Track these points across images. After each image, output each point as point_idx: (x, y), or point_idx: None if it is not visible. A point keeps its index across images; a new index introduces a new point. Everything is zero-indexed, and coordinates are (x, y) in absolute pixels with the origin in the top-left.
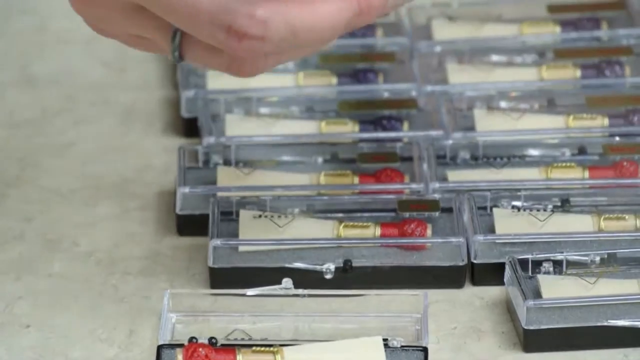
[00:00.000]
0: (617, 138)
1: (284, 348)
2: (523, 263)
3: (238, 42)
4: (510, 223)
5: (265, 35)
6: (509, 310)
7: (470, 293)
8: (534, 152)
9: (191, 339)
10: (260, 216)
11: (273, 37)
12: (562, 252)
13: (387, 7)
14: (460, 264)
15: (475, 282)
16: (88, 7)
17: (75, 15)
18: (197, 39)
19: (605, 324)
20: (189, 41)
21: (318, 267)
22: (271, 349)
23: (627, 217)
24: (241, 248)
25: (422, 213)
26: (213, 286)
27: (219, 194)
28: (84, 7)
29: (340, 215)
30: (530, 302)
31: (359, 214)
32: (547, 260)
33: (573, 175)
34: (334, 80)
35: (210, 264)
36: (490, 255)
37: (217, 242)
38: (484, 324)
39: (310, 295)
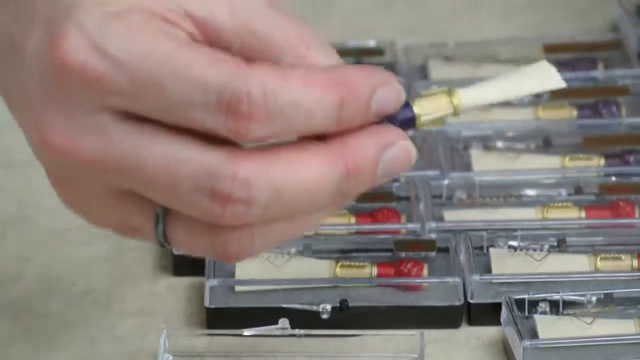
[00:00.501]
0: (614, 178)
1: None
2: (520, 303)
3: (222, 208)
4: (507, 263)
5: (250, 196)
6: (506, 350)
7: (467, 333)
8: (530, 192)
9: None
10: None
11: (258, 198)
12: (559, 292)
13: (377, 176)
14: (457, 303)
15: (471, 322)
16: (73, 198)
17: None
18: (180, 221)
19: None
20: (172, 225)
21: (315, 307)
22: None
23: (623, 257)
24: (237, 288)
25: (419, 253)
26: (209, 326)
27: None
28: (69, 198)
29: (336, 254)
30: (527, 343)
31: (355, 254)
32: (544, 300)
33: (569, 215)
34: None
35: (207, 304)
36: (486, 295)
37: (214, 282)
38: None
39: (306, 336)
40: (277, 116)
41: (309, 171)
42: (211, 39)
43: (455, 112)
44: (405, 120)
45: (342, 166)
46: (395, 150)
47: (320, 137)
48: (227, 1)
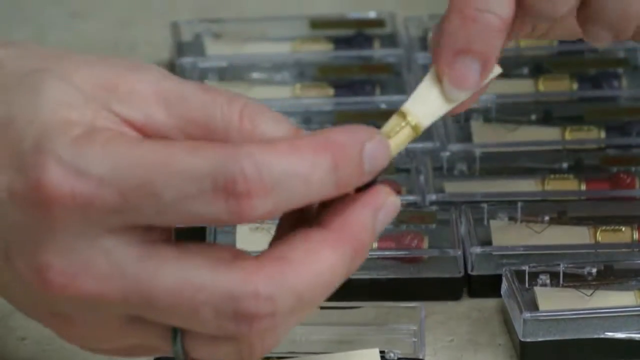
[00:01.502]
0: (614, 150)
1: None
2: (520, 275)
3: (249, 327)
4: (507, 235)
5: (275, 310)
6: (506, 322)
7: (467, 305)
8: (530, 163)
9: None
10: (257, 228)
11: (282, 309)
12: (559, 264)
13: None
14: (457, 276)
15: (472, 294)
16: (72, 332)
17: (74, 27)
18: (200, 337)
19: (602, 336)
20: (192, 340)
21: None
22: None
23: (623, 229)
24: None
25: (419, 225)
26: None
27: None
28: (68, 332)
29: None
30: (527, 315)
31: None
32: (544, 272)
33: (570, 187)
34: (331, 92)
35: None
36: (487, 267)
37: None
38: (481, 336)
39: None
40: (275, 188)
41: (323, 266)
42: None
43: (417, 134)
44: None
45: (349, 249)
46: (387, 210)
47: (318, 218)
48: (158, 98)
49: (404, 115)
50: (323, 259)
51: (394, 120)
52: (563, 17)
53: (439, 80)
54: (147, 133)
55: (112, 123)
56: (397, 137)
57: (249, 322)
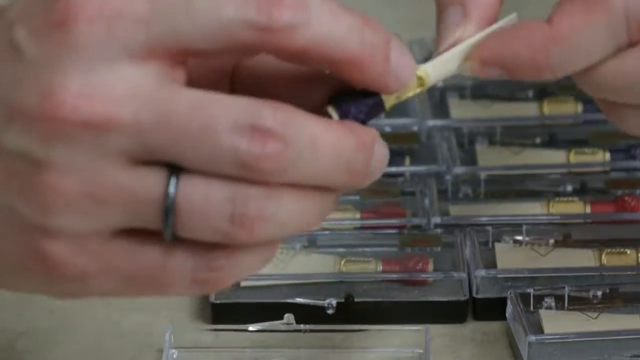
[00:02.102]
0: (619, 173)
1: None
2: (525, 298)
3: (261, 146)
4: (512, 257)
5: (288, 135)
6: (511, 345)
7: (472, 328)
8: (535, 186)
9: None
10: None
11: (295, 140)
12: (564, 287)
13: (370, 168)
14: (462, 298)
15: (477, 317)
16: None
17: None
18: (196, 179)
19: (608, 359)
20: (188, 182)
21: (320, 302)
22: None
23: (629, 251)
24: (243, 283)
25: (424, 248)
26: (215, 321)
27: None
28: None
29: (342, 250)
30: (532, 337)
31: (360, 249)
32: (549, 295)
33: (575, 209)
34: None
35: (212, 299)
36: (492, 290)
37: None
38: (486, 359)
39: (312, 331)
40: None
41: (333, 131)
42: None
43: (423, 87)
44: (371, 107)
45: (353, 139)
46: (380, 146)
47: None
48: None
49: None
50: (333, 129)
51: None
52: None
53: (466, 56)
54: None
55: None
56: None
57: (262, 140)
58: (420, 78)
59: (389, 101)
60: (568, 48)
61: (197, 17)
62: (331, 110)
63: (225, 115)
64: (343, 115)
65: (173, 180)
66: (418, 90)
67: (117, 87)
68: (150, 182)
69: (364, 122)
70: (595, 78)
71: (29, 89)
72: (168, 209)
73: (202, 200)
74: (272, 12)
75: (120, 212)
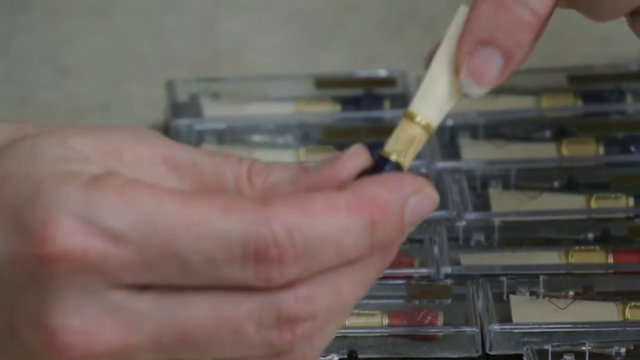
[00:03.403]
0: None
1: None
2: (542, 354)
3: (292, 333)
4: (528, 311)
5: (315, 310)
6: None
7: None
8: (553, 234)
9: None
10: None
11: (322, 309)
12: (585, 343)
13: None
14: (475, 355)
15: None
16: None
17: (60, 88)
18: None
19: None
20: None
21: (321, 359)
22: None
23: None
24: None
25: (433, 300)
26: None
27: None
28: None
29: None
30: None
31: (365, 301)
32: (569, 351)
33: (596, 259)
34: None
35: None
36: (507, 346)
37: None
38: None
39: None
40: (306, 253)
41: (336, 223)
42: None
43: (430, 133)
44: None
45: (367, 217)
46: (421, 198)
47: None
48: (167, 164)
49: (412, 117)
50: (337, 215)
51: (402, 125)
52: None
53: (455, 70)
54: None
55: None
56: (401, 137)
57: (292, 328)
58: (427, 126)
59: (406, 161)
60: None
61: (189, 276)
62: None
63: (246, 316)
64: None
65: None
66: (427, 137)
67: (119, 315)
68: None
69: None
70: None
71: (31, 331)
72: None
73: None
74: (270, 277)
75: None
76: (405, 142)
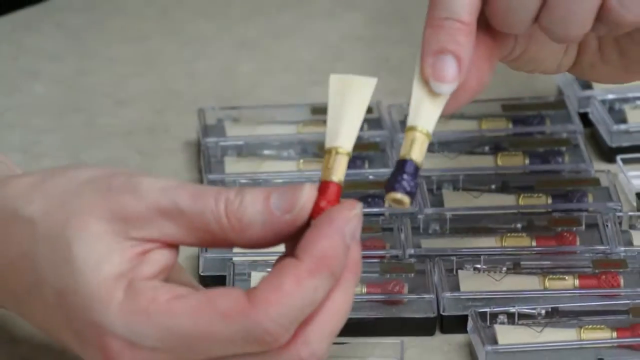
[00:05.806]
0: (559, 214)
1: None
2: (483, 315)
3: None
4: (472, 282)
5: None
6: (472, 354)
7: (440, 340)
8: (491, 224)
9: None
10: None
11: (324, 352)
12: (515, 306)
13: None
14: (432, 315)
15: (444, 331)
16: None
17: (117, 111)
18: None
19: None
20: None
21: None
22: None
23: (567, 277)
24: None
25: (400, 274)
26: None
27: (235, 258)
28: None
29: None
30: (489, 347)
31: None
32: (503, 312)
33: (523, 243)
34: None
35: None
36: (456, 309)
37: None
38: None
39: None
40: (294, 323)
41: (305, 291)
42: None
43: (429, 139)
44: (413, 172)
45: (326, 274)
46: (353, 223)
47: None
48: (162, 216)
49: (413, 129)
50: (305, 285)
51: (408, 135)
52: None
53: (425, 82)
54: (167, 244)
55: (141, 262)
56: (414, 143)
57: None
58: (427, 133)
59: (419, 159)
60: None
61: None
62: (394, 196)
63: None
64: (407, 193)
65: None
66: (429, 140)
67: None
68: None
69: (414, 187)
70: None
71: None
72: None
73: None
74: (270, 349)
75: None
76: (413, 146)
